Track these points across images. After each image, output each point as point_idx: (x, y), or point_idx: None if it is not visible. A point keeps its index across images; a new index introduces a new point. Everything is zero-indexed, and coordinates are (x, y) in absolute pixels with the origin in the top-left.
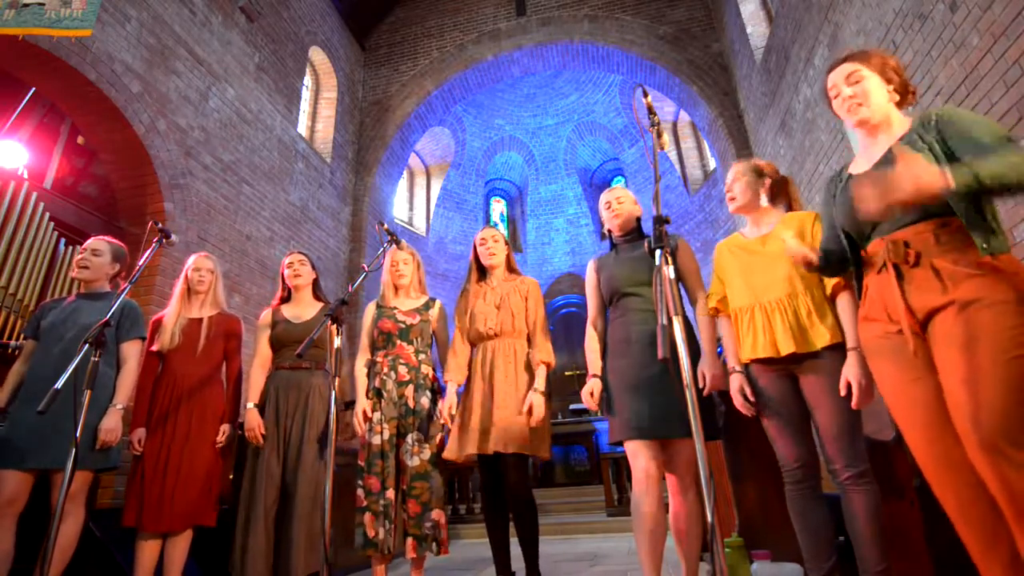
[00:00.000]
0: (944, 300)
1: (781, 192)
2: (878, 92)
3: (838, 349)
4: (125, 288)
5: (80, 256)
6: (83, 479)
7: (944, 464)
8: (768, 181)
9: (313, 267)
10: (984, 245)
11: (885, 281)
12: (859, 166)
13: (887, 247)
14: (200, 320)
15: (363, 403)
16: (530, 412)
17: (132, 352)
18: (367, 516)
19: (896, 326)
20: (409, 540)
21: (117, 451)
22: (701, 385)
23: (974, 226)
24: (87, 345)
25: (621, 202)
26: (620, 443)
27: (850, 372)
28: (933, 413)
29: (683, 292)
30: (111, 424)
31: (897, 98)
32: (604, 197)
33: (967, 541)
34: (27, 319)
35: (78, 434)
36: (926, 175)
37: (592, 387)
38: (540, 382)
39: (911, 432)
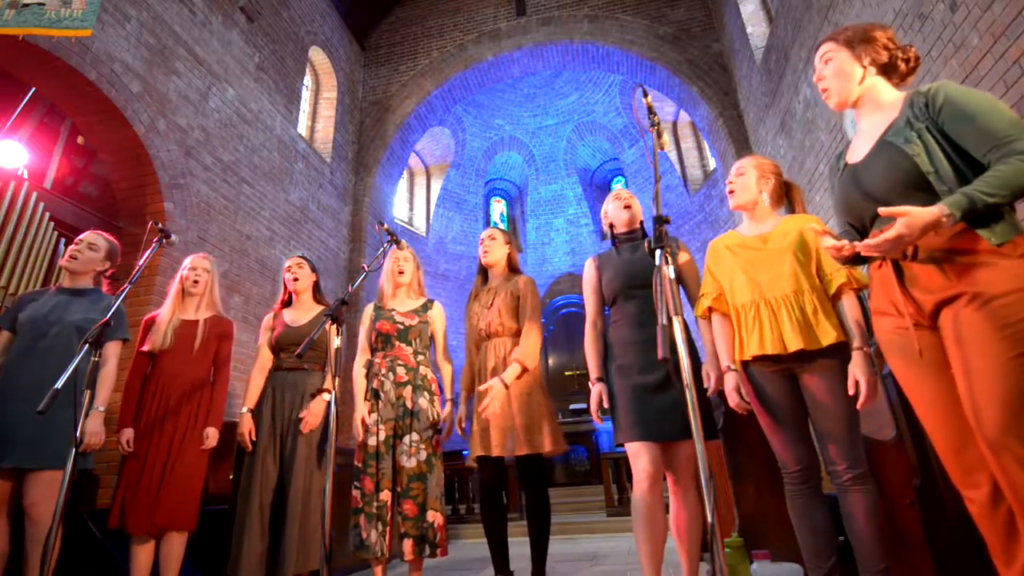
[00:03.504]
0: (950, 292)
1: (783, 196)
2: (847, 70)
3: (841, 349)
4: (125, 288)
5: (76, 247)
6: (59, 478)
7: (963, 459)
8: (772, 181)
9: (313, 269)
10: (992, 238)
11: (886, 276)
12: (855, 153)
13: None
14: (195, 322)
15: (361, 409)
16: (548, 412)
17: (113, 353)
18: (361, 518)
19: (905, 320)
20: (407, 542)
21: (91, 453)
22: (706, 385)
23: (974, 219)
24: (87, 345)
25: (632, 197)
26: (623, 444)
27: (858, 371)
28: (950, 409)
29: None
30: (95, 427)
31: (875, 70)
32: (615, 192)
33: (987, 538)
34: None
35: (77, 434)
36: (922, 218)
37: (598, 393)
38: (508, 374)
39: (929, 427)
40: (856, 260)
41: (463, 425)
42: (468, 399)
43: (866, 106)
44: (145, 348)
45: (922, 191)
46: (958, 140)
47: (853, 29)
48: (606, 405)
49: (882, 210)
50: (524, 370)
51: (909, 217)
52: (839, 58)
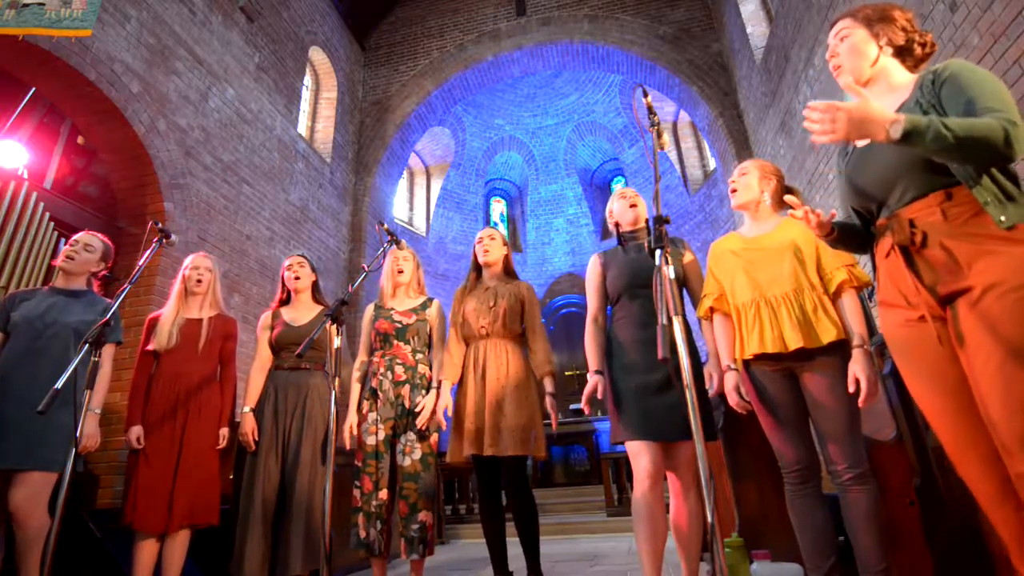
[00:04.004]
0: (962, 284)
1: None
2: (861, 48)
3: (842, 347)
4: (125, 288)
5: (71, 247)
6: (46, 481)
7: (974, 459)
8: (774, 182)
9: (313, 269)
10: (1001, 217)
11: (895, 265)
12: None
13: (891, 228)
14: (199, 321)
15: (352, 418)
16: (540, 416)
17: (107, 356)
18: (360, 517)
19: (916, 311)
20: (402, 541)
21: (82, 456)
22: (708, 386)
23: (984, 194)
24: (87, 344)
25: (638, 196)
26: (621, 443)
27: (858, 369)
28: (956, 405)
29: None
30: (91, 430)
31: (892, 51)
32: (621, 190)
33: (1000, 533)
34: None
35: (78, 434)
36: (875, 111)
37: (594, 384)
38: (550, 388)
39: (935, 423)
40: (842, 241)
41: (446, 415)
42: (451, 389)
43: (878, 87)
44: (150, 347)
45: (930, 171)
46: (946, 107)
47: (872, 7)
48: (599, 396)
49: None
50: (553, 377)
51: (864, 102)
52: (856, 35)
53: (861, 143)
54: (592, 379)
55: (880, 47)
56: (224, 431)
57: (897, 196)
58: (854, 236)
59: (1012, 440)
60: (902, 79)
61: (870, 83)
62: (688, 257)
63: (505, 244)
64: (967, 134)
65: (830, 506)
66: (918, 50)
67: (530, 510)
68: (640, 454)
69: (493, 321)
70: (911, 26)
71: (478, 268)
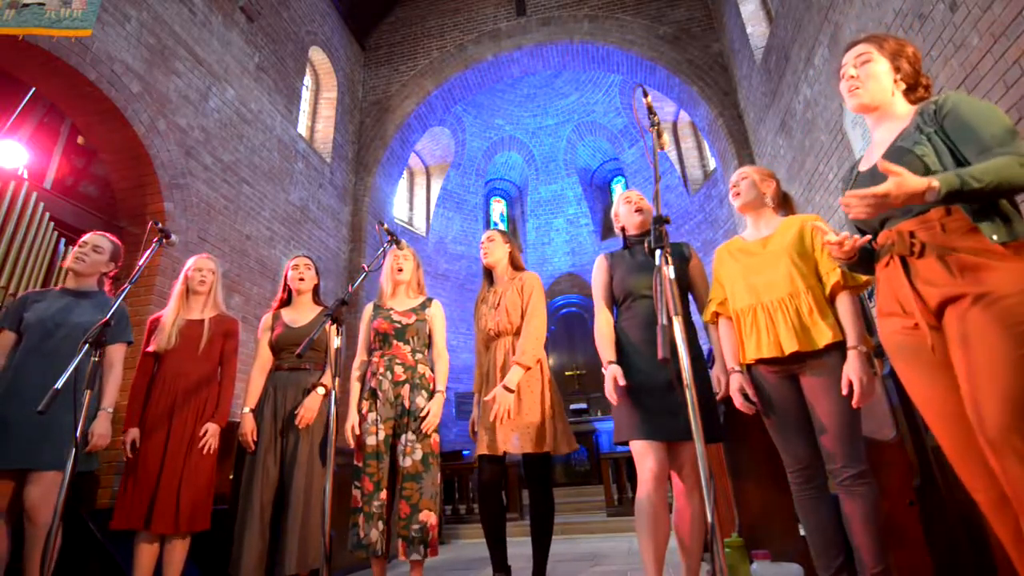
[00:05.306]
0: (955, 292)
1: (783, 202)
2: (881, 78)
3: (840, 348)
4: (125, 288)
5: (80, 249)
6: (59, 480)
7: (973, 462)
8: (773, 184)
9: (316, 273)
10: (994, 236)
11: (893, 274)
12: (868, 162)
13: (893, 238)
14: (200, 322)
15: (353, 418)
16: (560, 410)
17: (117, 356)
18: (360, 517)
19: (912, 319)
20: (399, 542)
21: (96, 455)
22: (716, 389)
23: (979, 214)
24: (87, 345)
25: (643, 199)
26: (624, 442)
27: (851, 370)
28: (957, 410)
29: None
30: (102, 429)
31: (904, 88)
32: (626, 194)
33: (1001, 536)
34: None
35: (78, 433)
36: (911, 183)
37: (613, 375)
38: (510, 378)
39: (936, 429)
40: (859, 263)
41: (475, 428)
42: (478, 402)
43: (883, 116)
44: (150, 349)
45: None
46: (957, 143)
47: (894, 41)
48: (622, 383)
49: (880, 162)
50: (526, 369)
51: (901, 178)
52: (880, 66)
53: (864, 166)
54: (610, 370)
55: (896, 81)
56: (209, 426)
57: (900, 212)
58: (869, 259)
59: (996, 432)
60: (904, 110)
61: (878, 110)
62: (695, 263)
63: (507, 241)
64: (996, 179)
65: (837, 505)
66: (921, 91)
67: (548, 509)
68: (645, 454)
69: (500, 320)
70: (919, 64)
71: (488, 273)
